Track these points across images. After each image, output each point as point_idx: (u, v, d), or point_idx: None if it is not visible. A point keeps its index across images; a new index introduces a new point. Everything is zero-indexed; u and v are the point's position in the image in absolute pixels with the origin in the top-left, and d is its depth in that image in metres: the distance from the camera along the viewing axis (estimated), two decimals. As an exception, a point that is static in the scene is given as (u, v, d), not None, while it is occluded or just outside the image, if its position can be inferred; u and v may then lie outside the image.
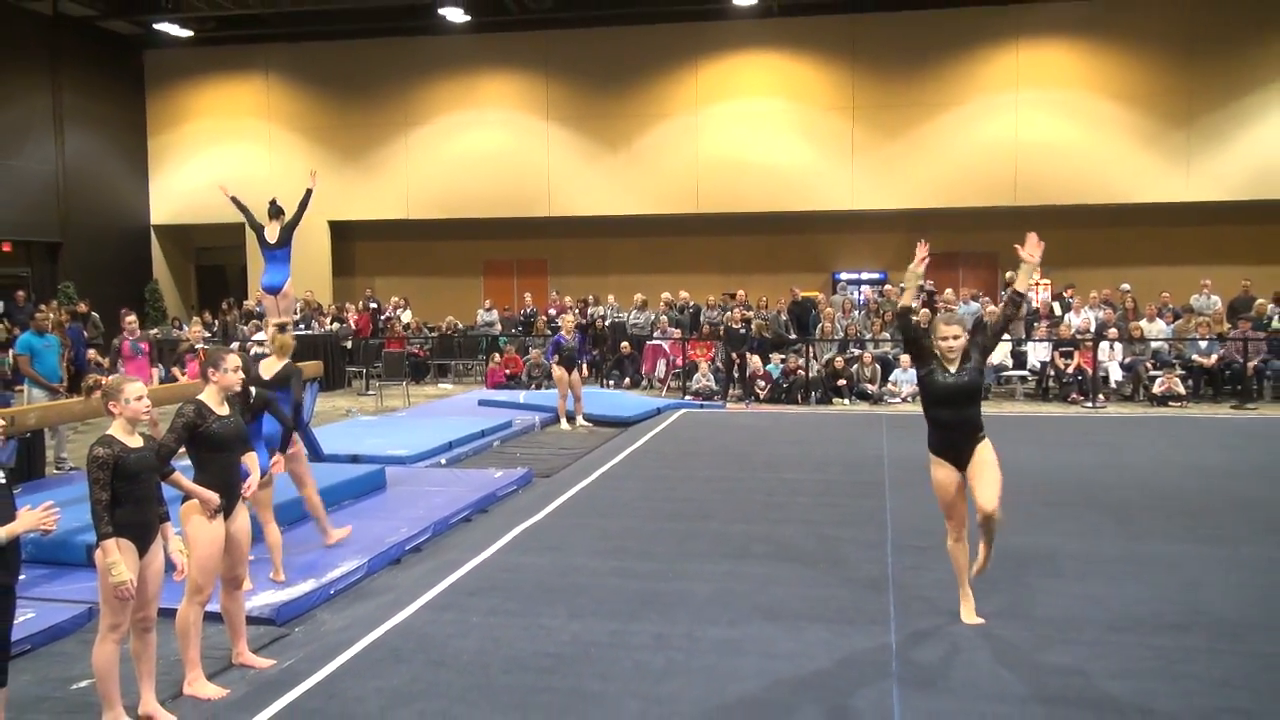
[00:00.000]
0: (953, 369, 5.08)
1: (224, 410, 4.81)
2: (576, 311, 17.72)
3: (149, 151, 22.43)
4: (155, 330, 18.52)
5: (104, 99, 21.22)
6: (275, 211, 9.29)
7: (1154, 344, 14.98)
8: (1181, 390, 14.11)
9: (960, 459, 5.11)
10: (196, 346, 12.13)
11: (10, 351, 12.65)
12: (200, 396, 4.81)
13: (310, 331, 18.14)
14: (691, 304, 18.26)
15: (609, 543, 7.10)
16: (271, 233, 9.22)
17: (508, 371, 17.06)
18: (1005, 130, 19.13)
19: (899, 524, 7.48)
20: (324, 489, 7.87)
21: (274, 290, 9.34)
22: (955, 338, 5.02)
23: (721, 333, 16.11)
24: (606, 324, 17.97)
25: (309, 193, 9.31)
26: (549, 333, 17.94)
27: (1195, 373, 14.52)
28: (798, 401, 14.80)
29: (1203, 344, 14.69)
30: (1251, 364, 14.22)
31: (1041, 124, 19.01)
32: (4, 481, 3.94)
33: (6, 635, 3.99)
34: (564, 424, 12.72)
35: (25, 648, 4.97)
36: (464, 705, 4.47)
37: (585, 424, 12.77)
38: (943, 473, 5.14)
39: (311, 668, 4.87)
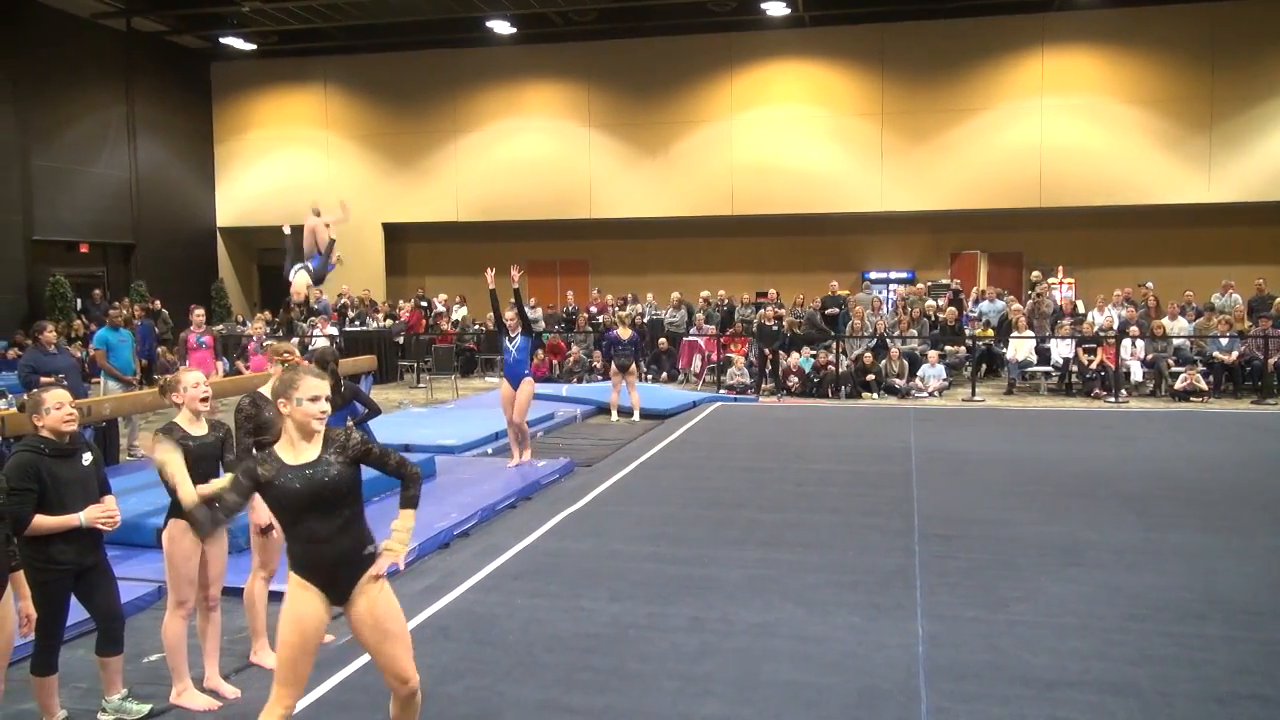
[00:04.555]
0: (307, 455, 3.39)
1: None
2: (614, 310, 18.35)
3: (215, 158, 23.20)
4: (220, 326, 19.32)
5: (173, 109, 22.01)
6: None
7: (1175, 341, 15.04)
8: (1203, 386, 14.13)
9: (335, 588, 3.46)
10: (265, 344, 12.82)
11: (89, 346, 13.21)
12: (261, 389, 4.97)
13: (365, 328, 19.04)
14: (726, 302, 18.72)
15: (647, 529, 7.20)
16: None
17: (552, 359, 17.49)
18: (1030, 134, 19.32)
19: (925, 513, 7.55)
20: (376, 477, 8.22)
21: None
22: (317, 399, 3.42)
23: (755, 329, 16.33)
24: (645, 321, 18.32)
25: (331, 242, 9.31)
26: (590, 329, 18.64)
27: (1216, 369, 14.52)
28: (828, 396, 14.86)
29: (1224, 341, 14.76)
30: (1272, 360, 14.22)
31: (1066, 128, 19.16)
32: (88, 464, 4.14)
33: (61, 620, 4.10)
34: (628, 416, 12.92)
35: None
36: (509, 682, 4.54)
37: (626, 418, 12.91)
38: (304, 604, 3.41)
39: (365, 645, 5.20)
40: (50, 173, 19.07)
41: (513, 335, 9.40)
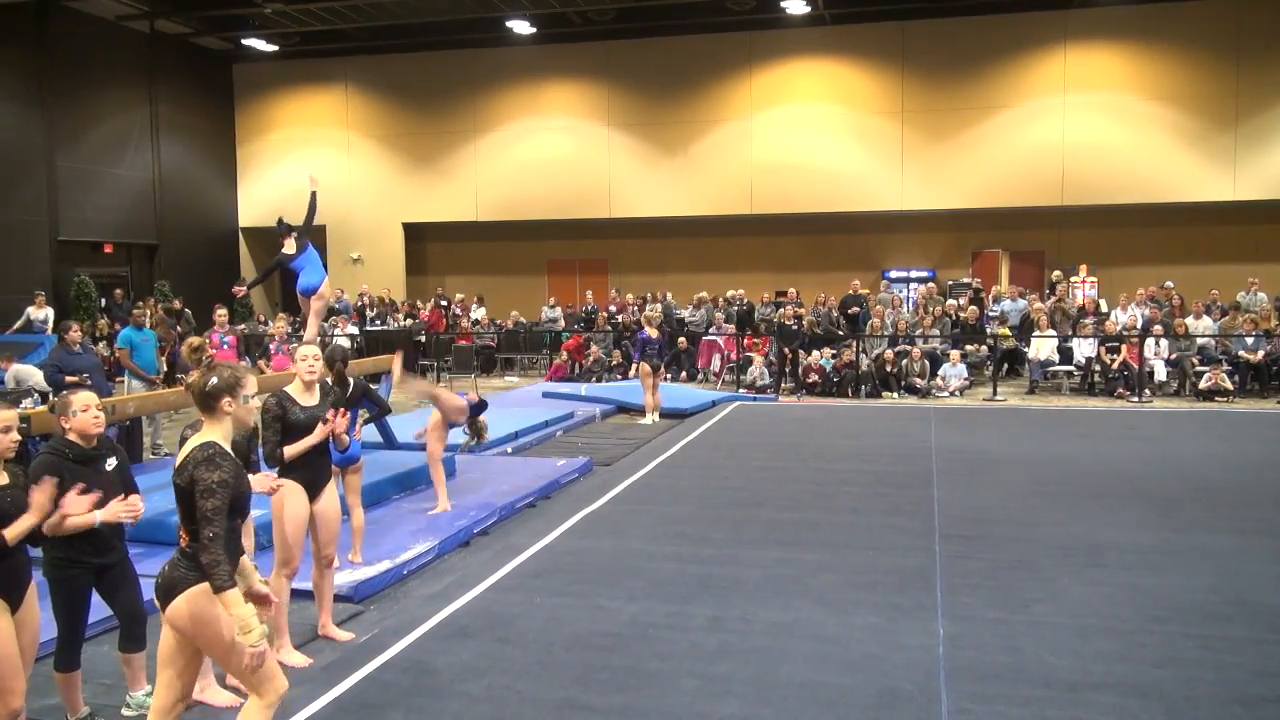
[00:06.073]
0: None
1: (308, 399, 5.02)
2: (637, 309, 18.34)
3: (238, 159, 23.42)
4: (243, 326, 19.49)
5: (196, 110, 22.23)
6: (285, 230, 8.85)
7: (1200, 340, 14.92)
8: (1228, 385, 13.99)
9: None
10: (291, 346, 12.90)
11: (114, 345, 13.24)
12: (286, 388, 5.06)
13: (385, 327, 19.16)
14: (746, 301, 18.72)
15: (666, 529, 7.18)
16: (289, 247, 8.78)
17: (574, 359, 17.56)
18: (1052, 132, 19.17)
19: (946, 513, 7.51)
20: (398, 475, 8.31)
21: (310, 292, 8.85)
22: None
23: (775, 329, 16.30)
24: (663, 320, 18.49)
25: (313, 195, 9.02)
26: (609, 329, 18.67)
27: (1241, 368, 14.41)
28: (848, 395, 14.83)
29: (1249, 340, 14.66)
30: (1300, 359, 14.06)
31: (1088, 126, 18.99)
32: (111, 469, 4.15)
33: (83, 617, 4.12)
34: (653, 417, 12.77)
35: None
36: (528, 680, 4.56)
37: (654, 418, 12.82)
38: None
39: (386, 642, 5.01)
40: (75, 174, 19.27)
41: None
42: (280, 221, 9.01)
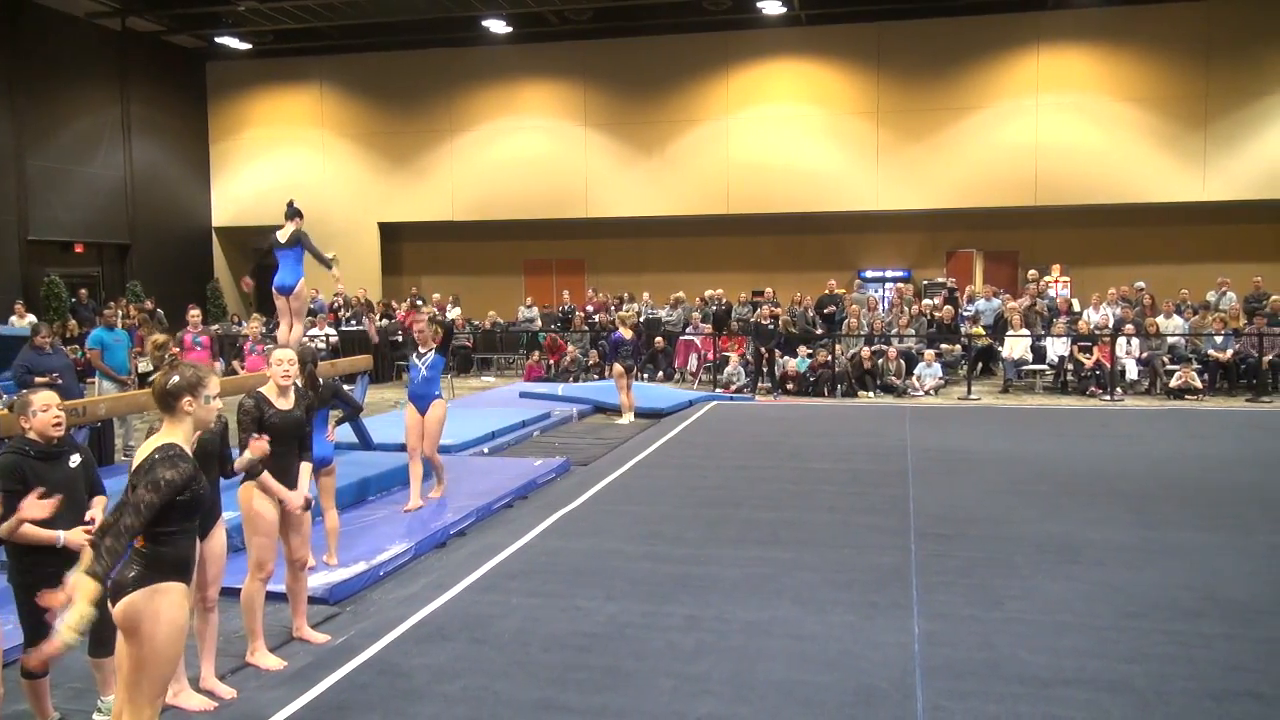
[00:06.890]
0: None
1: (283, 402, 5.00)
2: (613, 310, 18.32)
3: (211, 158, 23.20)
4: (216, 326, 19.33)
5: (169, 109, 22.00)
6: (292, 213, 8.75)
7: (1170, 339, 15.09)
8: (1198, 384, 14.16)
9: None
10: (265, 347, 12.79)
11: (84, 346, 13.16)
12: (261, 390, 5.03)
13: (361, 327, 19.03)
14: (724, 301, 18.76)
15: (643, 528, 7.20)
16: (284, 233, 8.63)
17: (550, 358, 17.55)
18: (1026, 133, 19.32)
19: (922, 512, 7.55)
20: (374, 477, 8.27)
21: (286, 290, 8.75)
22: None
23: (751, 328, 16.29)
24: (641, 320, 18.49)
25: (328, 264, 8.99)
26: (586, 329, 18.65)
27: (1211, 367, 14.59)
28: (824, 394, 14.89)
29: (1218, 339, 14.81)
30: (1267, 358, 14.29)
31: (1061, 127, 19.15)
32: (75, 466, 4.10)
33: (49, 623, 4.11)
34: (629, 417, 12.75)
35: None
36: (505, 681, 4.55)
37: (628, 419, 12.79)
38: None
39: (363, 644, 5.00)
40: (45, 173, 19.05)
41: (423, 350, 7.99)
42: (291, 204, 8.91)
